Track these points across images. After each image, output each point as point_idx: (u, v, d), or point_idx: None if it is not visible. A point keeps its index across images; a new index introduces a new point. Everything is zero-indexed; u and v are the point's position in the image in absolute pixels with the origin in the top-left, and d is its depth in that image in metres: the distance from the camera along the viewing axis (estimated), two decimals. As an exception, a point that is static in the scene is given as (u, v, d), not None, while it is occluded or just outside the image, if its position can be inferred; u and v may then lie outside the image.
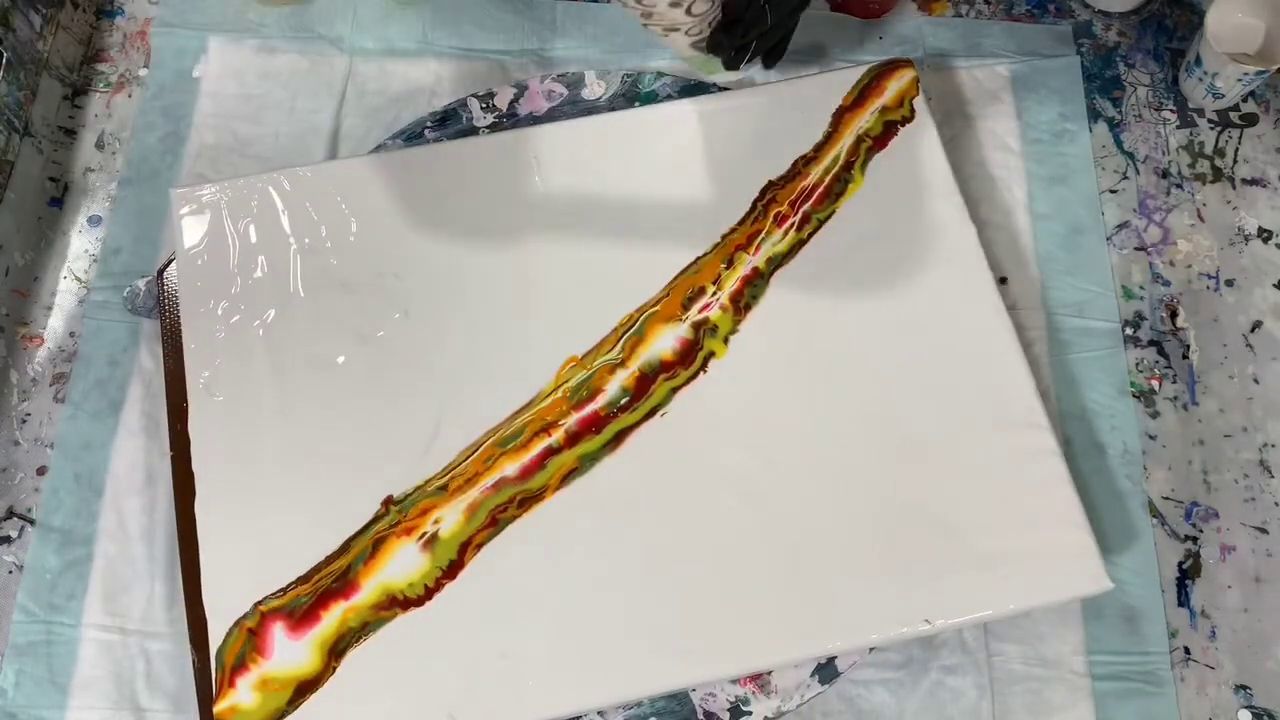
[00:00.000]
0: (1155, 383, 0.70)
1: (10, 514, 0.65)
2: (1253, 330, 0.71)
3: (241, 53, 0.78)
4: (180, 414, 0.62)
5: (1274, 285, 0.72)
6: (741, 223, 0.66)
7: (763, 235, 0.66)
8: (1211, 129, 0.77)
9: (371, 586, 0.57)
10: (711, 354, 0.63)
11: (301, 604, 0.56)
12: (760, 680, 0.60)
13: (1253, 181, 0.75)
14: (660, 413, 0.61)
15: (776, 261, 0.65)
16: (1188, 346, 0.71)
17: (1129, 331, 0.71)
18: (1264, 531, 0.66)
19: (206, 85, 0.77)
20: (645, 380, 0.62)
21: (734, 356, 0.63)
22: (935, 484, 0.60)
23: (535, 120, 0.73)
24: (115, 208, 0.73)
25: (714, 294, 0.64)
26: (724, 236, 0.66)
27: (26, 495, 0.66)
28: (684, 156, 0.68)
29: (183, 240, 0.65)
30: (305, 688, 0.55)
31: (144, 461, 0.66)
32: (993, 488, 0.59)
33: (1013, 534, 0.58)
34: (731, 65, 0.65)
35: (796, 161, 0.68)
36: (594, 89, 0.74)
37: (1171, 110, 0.78)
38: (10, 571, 0.64)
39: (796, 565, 0.58)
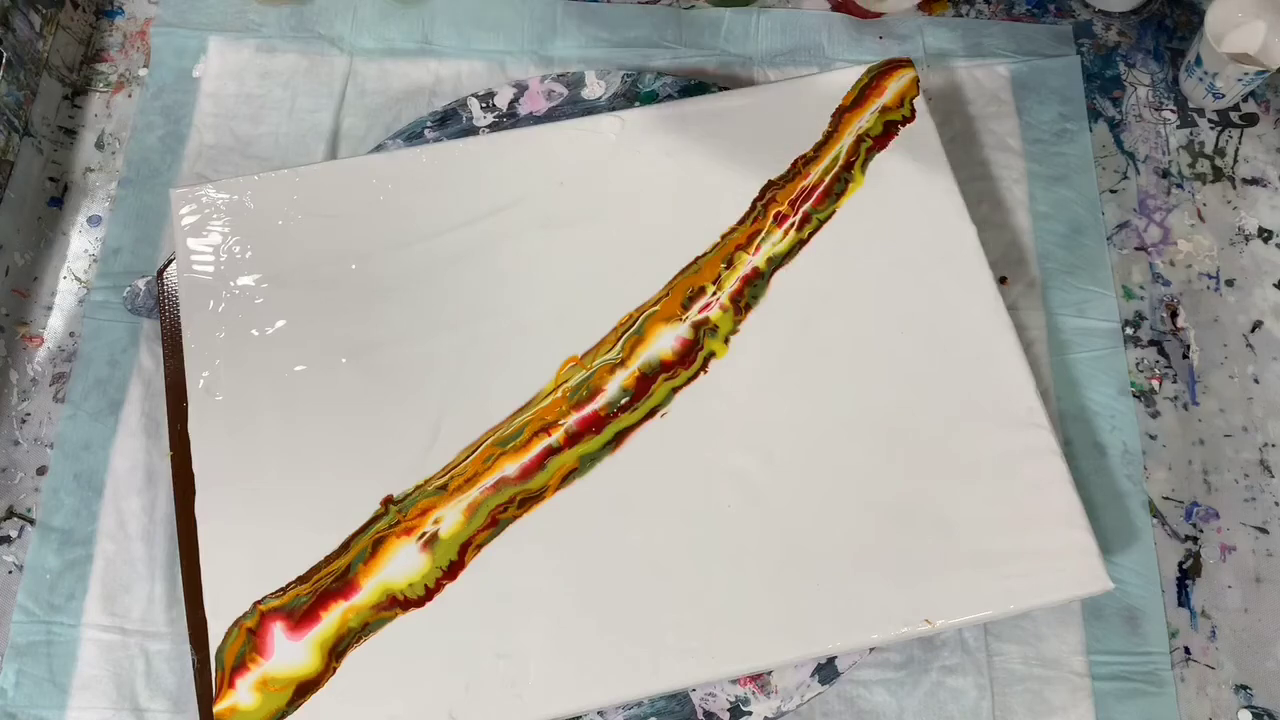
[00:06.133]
0: (1155, 383, 0.70)
1: (10, 514, 0.65)
2: (1253, 330, 0.71)
3: (241, 53, 0.78)
4: (180, 414, 0.62)
5: (1274, 285, 0.72)
6: (741, 223, 0.66)
7: (763, 235, 0.66)
8: (1212, 129, 0.77)
9: (371, 586, 0.57)
10: (712, 354, 0.63)
11: (301, 604, 0.56)
12: (760, 680, 0.60)
13: (1253, 181, 0.75)
14: (660, 413, 0.61)
15: (776, 261, 0.65)
16: (1188, 346, 0.71)
17: (1129, 331, 0.71)
18: (1264, 531, 0.66)
19: (206, 85, 0.77)
20: (645, 380, 0.62)
21: (734, 356, 0.63)
22: (935, 484, 0.60)
23: (535, 120, 0.73)
24: (115, 208, 0.73)
25: (714, 294, 0.64)
26: (724, 236, 0.66)
27: (26, 495, 0.66)
28: (684, 156, 0.68)
29: (183, 240, 0.65)
30: (305, 688, 0.55)
31: (144, 461, 0.66)
32: (993, 487, 0.59)
33: (1013, 534, 0.58)
34: None
35: (796, 161, 0.68)
36: (594, 89, 0.74)
37: (1172, 110, 0.78)
38: (10, 571, 0.64)
39: (797, 565, 0.58)
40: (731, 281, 0.65)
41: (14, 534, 0.65)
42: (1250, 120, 0.77)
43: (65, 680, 0.61)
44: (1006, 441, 0.61)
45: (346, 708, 0.55)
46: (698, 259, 0.65)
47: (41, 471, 0.66)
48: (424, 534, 0.58)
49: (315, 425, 0.61)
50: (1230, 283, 0.72)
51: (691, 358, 0.63)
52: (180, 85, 0.77)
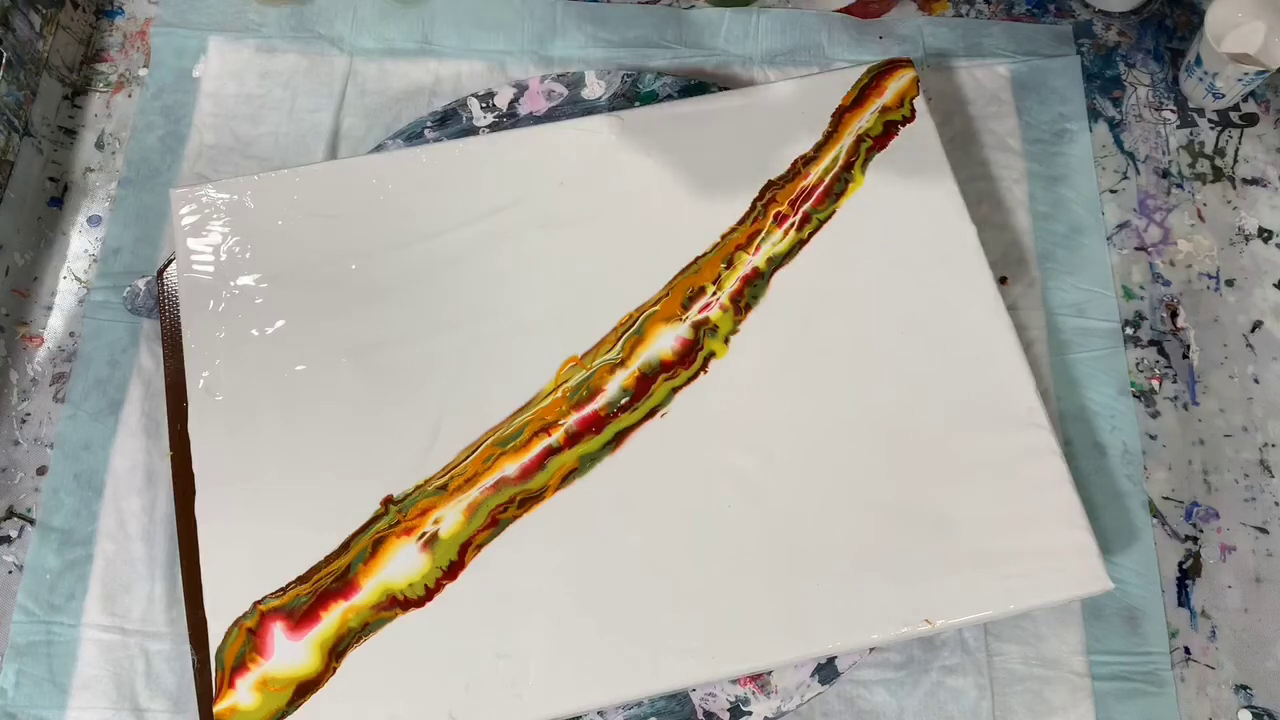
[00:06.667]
0: (1155, 383, 0.70)
1: (10, 514, 0.65)
2: (1253, 330, 0.71)
3: (241, 53, 0.78)
4: (180, 414, 0.62)
5: (1274, 285, 0.72)
6: (741, 223, 0.66)
7: (763, 235, 0.66)
8: (1212, 129, 0.77)
9: (371, 587, 0.57)
10: (712, 354, 0.63)
11: (301, 604, 0.56)
12: (760, 680, 0.60)
13: (1253, 181, 0.75)
14: (660, 413, 0.61)
15: (776, 261, 0.65)
16: (1188, 346, 0.71)
17: (1129, 331, 0.71)
18: (1264, 531, 0.66)
19: (206, 85, 0.77)
20: (645, 380, 0.62)
21: (734, 356, 0.63)
22: (935, 484, 0.60)
23: (535, 120, 0.73)
24: (115, 208, 0.73)
25: (714, 294, 0.64)
26: (724, 236, 0.66)
27: (26, 495, 0.66)
28: (684, 156, 0.68)
29: (183, 240, 0.65)
30: (305, 688, 0.55)
31: (144, 461, 0.66)
32: (993, 487, 0.59)
33: (1013, 534, 0.58)
34: None
35: (796, 161, 0.68)
36: (594, 89, 0.74)
37: (1172, 110, 0.78)
38: (10, 571, 0.64)
39: (797, 565, 0.58)
40: (731, 281, 0.65)
41: (14, 534, 0.65)
42: (1250, 120, 0.77)
43: (65, 680, 0.61)
44: (1006, 441, 0.61)
45: (346, 708, 0.55)
46: (698, 259, 0.65)
47: (41, 471, 0.66)
48: (424, 534, 0.58)
49: (315, 425, 0.61)
50: (1230, 283, 0.72)
51: (691, 358, 0.63)
52: (180, 85, 0.77)
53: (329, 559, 0.58)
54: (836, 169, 0.68)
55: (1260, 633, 0.64)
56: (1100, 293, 0.72)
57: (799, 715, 0.61)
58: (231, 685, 0.55)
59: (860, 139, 0.68)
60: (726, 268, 0.65)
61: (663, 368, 0.62)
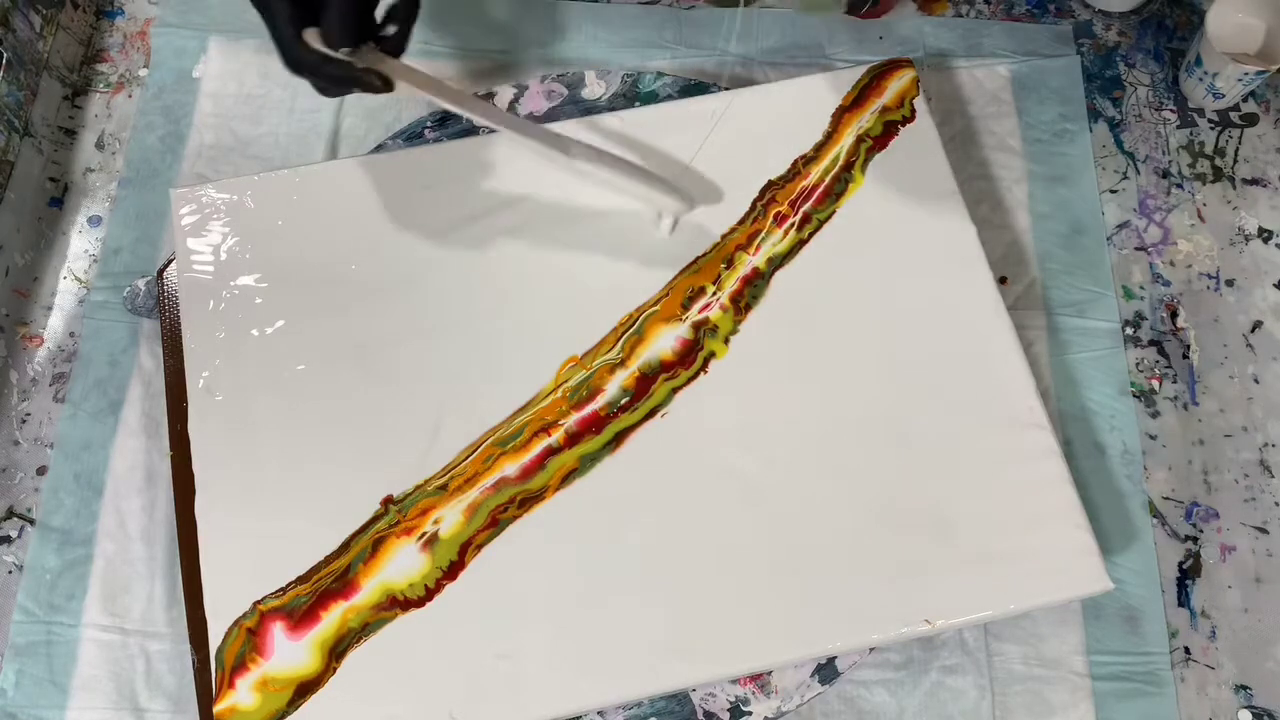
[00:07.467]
0: (1155, 383, 0.70)
1: (10, 514, 0.65)
2: (1253, 330, 0.71)
3: (241, 53, 0.78)
4: (180, 414, 0.62)
5: (1274, 285, 0.72)
6: (741, 223, 0.66)
7: (763, 235, 0.66)
8: (1212, 129, 0.77)
9: (371, 587, 0.57)
10: (712, 354, 0.63)
11: (301, 604, 0.56)
12: (760, 680, 0.60)
13: (1253, 181, 0.75)
14: (661, 413, 0.61)
15: (776, 261, 0.65)
16: (1188, 346, 0.71)
17: (1129, 331, 0.71)
18: (1264, 531, 0.66)
19: (206, 85, 0.77)
20: (645, 380, 0.62)
21: (734, 357, 0.63)
22: (935, 484, 0.60)
23: (536, 120, 0.73)
24: (115, 208, 0.73)
25: (714, 294, 0.64)
26: (724, 236, 0.66)
27: (26, 495, 0.66)
28: (684, 156, 0.68)
29: (183, 240, 0.65)
30: (305, 688, 0.55)
31: (144, 461, 0.66)
32: (993, 487, 0.59)
33: (1013, 534, 0.58)
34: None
35: (796, 161, 0.68)
36: (594, 89, 0.74)
37: (1172, 110, 0.78)
38: (10, 571, 0.64)
39: (796, 565, 0.58)
40: (731, 281, 0.65)
41: (14, 534, 0.65)
42: (1250, 120, 0.77)
43: (65, 680, 0.61)
44: (1006, 441, 0.61)
45: (346, 708, 0.55)
46: (698, 259, 0.65)
47: (41, 471, 0.66)
48: (424, 534, 0.58)
49: (315, 425, 0.61)
50: (1230, 283, 0.72)
51: (691, 358, 0.63)
52: (180, 85, 0.77)
53: (329, 559, 0.58)
54: (836, 169, 0.68)
55: (1260, 633, 0.64)
56: (1100, 293, 0.72)
57: (799, 715, 0.61)
58: (231, 685, 0.55)
59: (860, 139, 0.68)
60: (726, 268, 0.65)
61: (663, 368, 0.62)
